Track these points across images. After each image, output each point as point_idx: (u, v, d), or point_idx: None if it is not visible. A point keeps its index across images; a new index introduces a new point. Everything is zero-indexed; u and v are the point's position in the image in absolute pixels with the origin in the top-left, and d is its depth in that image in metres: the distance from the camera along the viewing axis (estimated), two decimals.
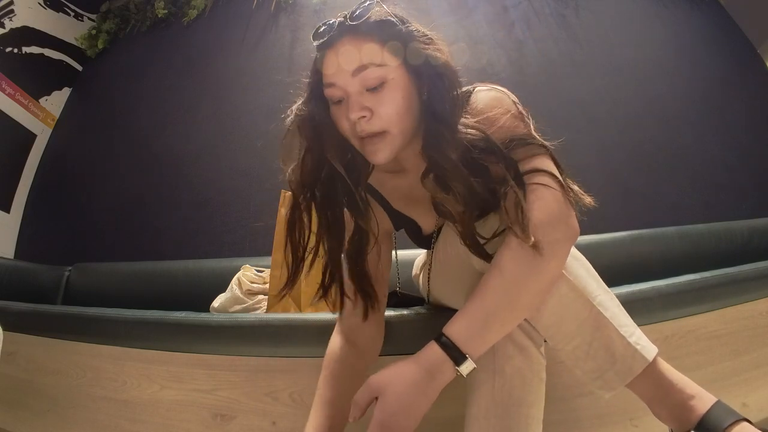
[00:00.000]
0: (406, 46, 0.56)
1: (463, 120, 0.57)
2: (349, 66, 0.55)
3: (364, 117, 0.55)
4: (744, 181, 1.73)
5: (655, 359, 0.53)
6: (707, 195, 1.70)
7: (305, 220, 0.63)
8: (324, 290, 0.67)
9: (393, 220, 0.75)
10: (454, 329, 0.51)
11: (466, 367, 0.50)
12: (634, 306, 0.73)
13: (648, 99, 1.89)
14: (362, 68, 0.55)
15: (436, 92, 0.56)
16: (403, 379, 0.49)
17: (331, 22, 0.58)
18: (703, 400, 0.51)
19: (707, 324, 0.81)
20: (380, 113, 0.55)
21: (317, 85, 0.60)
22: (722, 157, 1.77)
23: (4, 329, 0.86)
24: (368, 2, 0.57)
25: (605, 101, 1.88)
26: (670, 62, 1.98)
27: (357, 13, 0.56)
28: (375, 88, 0.55)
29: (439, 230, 0.71)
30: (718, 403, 0.50)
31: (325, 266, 0.66)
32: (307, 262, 0.65)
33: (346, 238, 0.65)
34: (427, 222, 0.73)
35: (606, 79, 1.93)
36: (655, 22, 2.10)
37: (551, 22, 2.10)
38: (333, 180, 0.61)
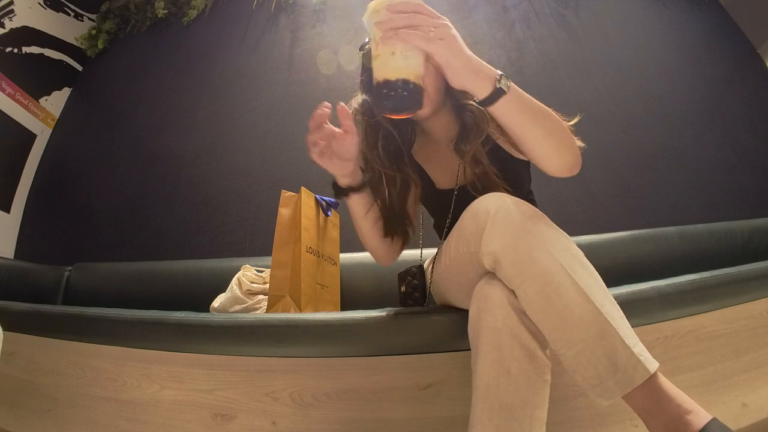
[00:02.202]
0: None
1: None
2: None
3: None
4: (744, 181, 1.73)
5: (655, 373, 0.53)
6: (707, 195, 1.70)
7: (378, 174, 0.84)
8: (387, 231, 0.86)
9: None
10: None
11: (506, 83, 0.60)
12: (634, 306, 0.73)
13: (648, 99, 1.89)
14: None
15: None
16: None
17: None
18: (699, 416, 0.50)
19: (707, 324, 0.81)
20: None
21: (368, 79, 0.78)
22: (722, 157, 1.78)
23: (4, 329, 0.86)
24: None
25: (605, 101, 1.88)
26: (670, 62, 1.99)
27: None
28: None
29: (456, 197, 0.83)
30: (713, 421, 0.50)
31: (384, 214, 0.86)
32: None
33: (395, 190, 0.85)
34: (441, 180, 0.88)
35: (606, 79, 1.93)
36: (655, 22, 2.10)
37: (551, 22, 2.10)
38: (387, 140, 0.84)
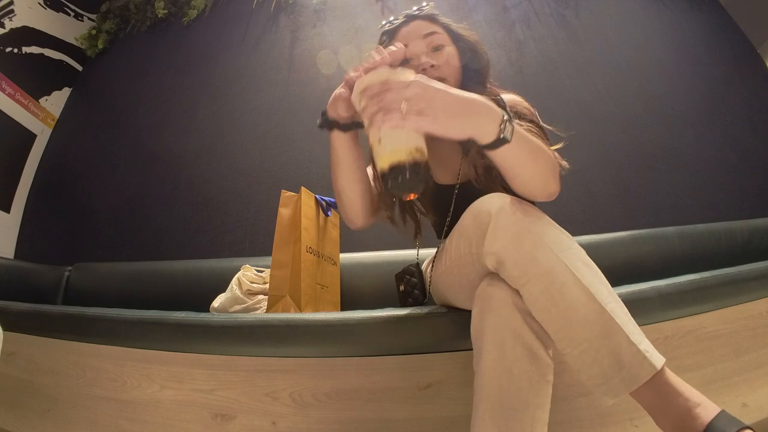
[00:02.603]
0: (451, 29, 0.84)
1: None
2: (420, 33, 0.81)
3: (433, 66, 0.78)
4: (744, 181, 1.73)
5: (662, 368, 0.53)
6: (707, 195, 1.70)
7: None
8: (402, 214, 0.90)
9: None
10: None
11: (510, 129, 0.57)
12: (634, 306, 0.73)
13: (648, 99, 1.89)
14: (430, 34, 0.81)
15: (471, 56, 0.83)
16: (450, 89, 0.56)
17: (399, 15, 0.85)
18: (708, 409, 0.50)
19: (707, 324, 0.81)
20: (440, 65, 0.79)
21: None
22: (722, 157, 1.78)
23: (4, 329, 0.86)
24: (425, 4, 0.85)
25: (605, 101, 1.88)
26: (670, 62, 1.99)
27: (420, 8, 0.84)
28: (437, 48, 0.81)
29: (457, 194, 0.83)
30: (722, 413, 0.50)
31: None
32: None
33: None
34: (441, 176, 0.89)
35: (606, 79, 1.93)
36: (655, 22, 2.10)
37: (551, 22, 2.10)
38: None
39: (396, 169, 0.52)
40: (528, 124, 0.73)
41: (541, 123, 0.78)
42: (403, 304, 0.89)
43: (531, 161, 0.63)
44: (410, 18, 0.83)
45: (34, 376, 0.96)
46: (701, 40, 2.09)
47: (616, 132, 1.81)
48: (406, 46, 0.76)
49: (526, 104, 0.81)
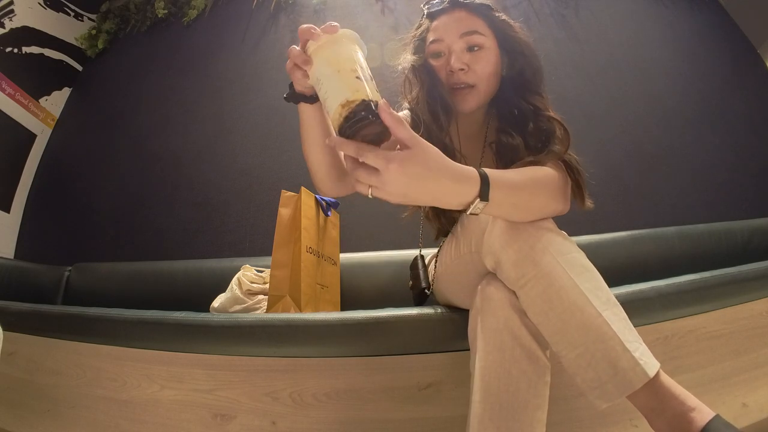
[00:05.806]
0: (499, 27, 0.74)
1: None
2: (459, 29, 0.72)
3: (463, 69, 0.72)
4: (744, 181, 1.73)
5: (656, 374, 0.53)
6: (707, 195, 1.69)
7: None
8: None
9: None
10: (492, 173, 0.53)
11: (480, 206, 0.52)
12: (634, 306, 0.73)
13: (648, 99, 1.89)
14: (469, 33, 0.72)
15: (518, 65, 0.75)
16: (437, 156, 0.49)
17: None
18: (703, 413, 0.50)
19: (707, 324, 0.81)
20: (475, 69, 0.72)
21: (421, 41, 0.77)
22: (722, 157, 1.77)
23: (4, 329, 0.86)
24: None
25: (605, 101, 1.88)
26: (670, 62, 1.98)
27: None
28: (474, 49, 0.73)
29: None
30: (717, 417, 0.50)
31: None
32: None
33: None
34: None
35: (606, 79, 1.93)
36: (656, 22, 2.10)
37: (551, 22, 2.10)
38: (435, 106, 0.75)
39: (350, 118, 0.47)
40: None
41: (565, 125, 0.74)
42: (413, 298, 0.91)
43: (518, 212, 0.59)
44: (455, 5, 0.74)
45: (34, 376, 0.96)
46: (701, 40, 2.08)
47: (616, 132, 1.81)
48: (441, 39, 0.73)
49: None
